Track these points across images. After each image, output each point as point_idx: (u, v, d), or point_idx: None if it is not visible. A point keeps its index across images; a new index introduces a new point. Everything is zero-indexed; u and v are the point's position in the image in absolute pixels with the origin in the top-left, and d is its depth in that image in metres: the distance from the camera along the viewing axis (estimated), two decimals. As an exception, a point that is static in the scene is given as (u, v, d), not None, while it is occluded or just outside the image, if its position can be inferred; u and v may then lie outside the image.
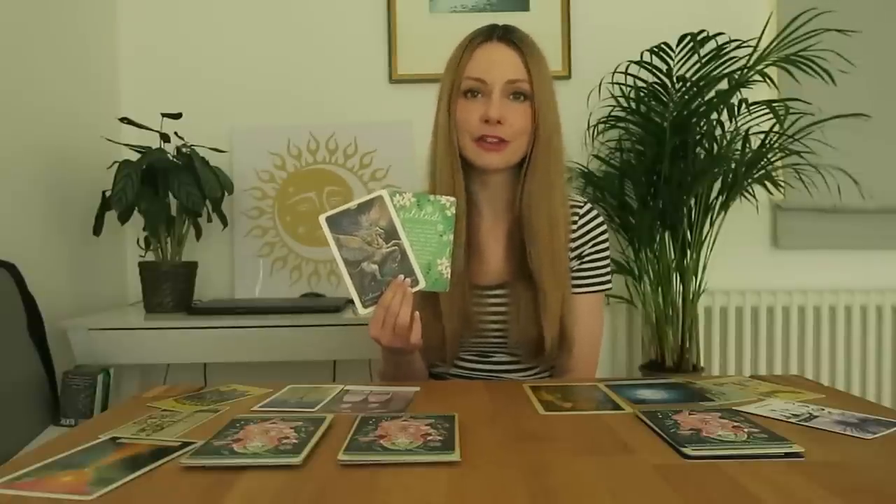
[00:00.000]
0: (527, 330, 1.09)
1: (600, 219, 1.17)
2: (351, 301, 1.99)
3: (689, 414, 0.77)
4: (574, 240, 1.15)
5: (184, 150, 1.81)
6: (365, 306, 0.93)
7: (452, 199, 0.95)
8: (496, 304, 1.13)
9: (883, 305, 2.12)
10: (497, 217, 1.14)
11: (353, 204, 0.93)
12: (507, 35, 1.08)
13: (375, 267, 0.92)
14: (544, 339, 1.08)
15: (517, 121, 1.06)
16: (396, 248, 0.92)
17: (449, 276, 0.94)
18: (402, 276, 0.92)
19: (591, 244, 1.15)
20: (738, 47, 1.80)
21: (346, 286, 0.93)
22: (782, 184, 2.02)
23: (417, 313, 0.95)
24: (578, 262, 1.15)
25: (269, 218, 2.10)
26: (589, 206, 1.17)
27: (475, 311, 1.12)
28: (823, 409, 0.81)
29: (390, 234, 0.92)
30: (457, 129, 1.08)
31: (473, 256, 1.12)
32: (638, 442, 0.70)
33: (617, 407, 0.84)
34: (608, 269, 1.17)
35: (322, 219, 0.92)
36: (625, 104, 1.96)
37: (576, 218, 1.15)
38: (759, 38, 1.85)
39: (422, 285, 0.93)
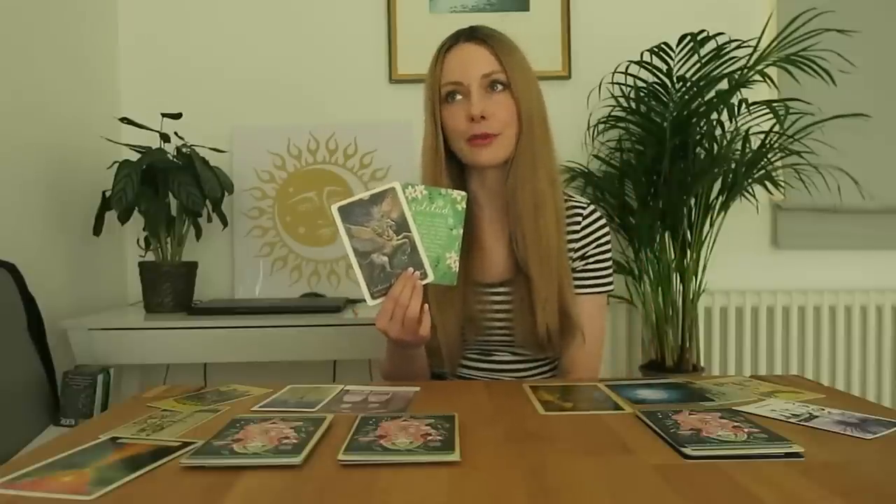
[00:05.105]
0: (530, 326, 1.09)
1: (603, 220, 1.17)
2: (351, 301, 1.99)
3: (689, 414, 0.77)
4: (577, 240, 1.15)
5: (184, 150, 1.81)
6: (374, 297, 0.93)
7: (464, 193, 0.96)
8: (500, 302, 1.13)
9: (883, 305, 2.12)
10: (498, 215, 1.15)
11: (365, 195, 0.92)
12: (473, 34, 1.10)
13: (385, 259, 0.92)
14: (538, 329, 1.07)
15: (500, 112, 1.06)
16: (406, 240, 0.92)
17: (457, 270, 0.95)
18: (411, 269, 0.93)
19: (594, 245, 1.16)
20: (738, 47, 1.80)
21: (355, 278, 0.93)
22: (782, 184, 2.02)
23: (427, 306, 0.95)
24: (583, 262, 1.16)
25: (269, 218, 2.10)
26: (592, 207, 1.18)
27: (478, 308, 1.12)
28: (823, 409, 0.81)
29: (401, 226, 0.92)
30: (449, 136, 1.09)
31: (477, 254, 1.13)
32: (638, 442, 0.70)
33: (617, 407, 0.84)
34: (610, 270, 1.18)
35: (334, 208, 0.92)
36: (625, 104, 1.96)
37: (579, 219, 1.15)
38: (759, 38, 1.85)
39: (430, 278, 0.93)
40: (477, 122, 1.05)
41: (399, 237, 0.92)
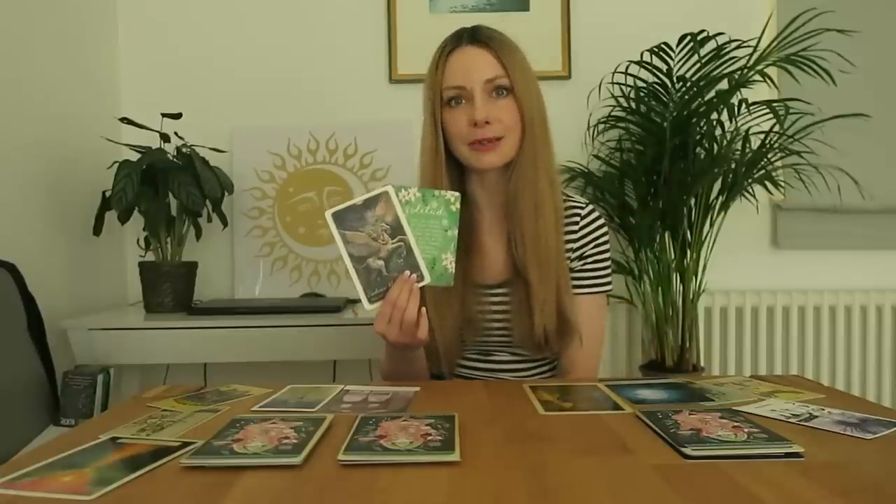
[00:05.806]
0: (528, 327, 1.09)
1: (601, 220, 1.17)
2: (351, 301, 1.99)
3: (689, 414, 0.77)
4: (575, 240, 1.15)
5: (184, 150, 1.81)
6: (371, 302, 0.94)
7: (457, 194, 0.96)
8: (499, 303, 1.13)
9: (883, 305, 2.12)
10: (498, 216, 1.15)
11: (358, 199, 0.92)
12: (475, 36, 1.09)
13: (381, 263, 0.92)
14: (535, 330, 1.07)
15: (504, 116, 1.06)
16: (402, 243, 0.92)
17: (453, 270, 0.95)
18: (407, 272, 0.93)
19: (592, 245, 1.15)
20: (738, 47, 1.80)
21: (352, 282, 0.93)
22: (782, 184, 2.02)
23: (424, 308, 0.95)
24: (581, 262, 1.15)
25: (269, 218, 2.10)
26: (590, 207, 1.17)
27: (476, 309, 1.12)
28: (823, 409, 0.81)
29: (396, 229, 0.92)
30: (451, 139, 1.08)
31: (476, 255, 1.13)
32: (638, 442, 0.70)
33: (617, 407, 0.84)
34: (609, 270, 1.18)
35: (328, 214, 0.92)
36: (625, 104, 1.96)
37: (577, 219, 1.15)
38: (759, 38, 1.85)
39: (427, 280, 0.93)
40: (481, 127, 1.05)
41: (394, 241, 0.92)
